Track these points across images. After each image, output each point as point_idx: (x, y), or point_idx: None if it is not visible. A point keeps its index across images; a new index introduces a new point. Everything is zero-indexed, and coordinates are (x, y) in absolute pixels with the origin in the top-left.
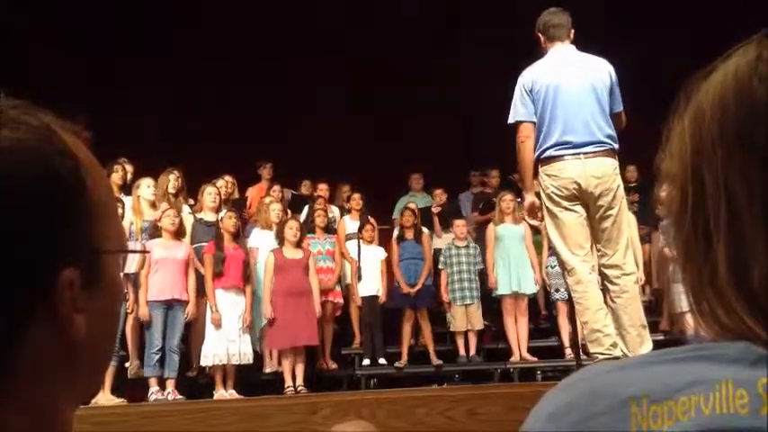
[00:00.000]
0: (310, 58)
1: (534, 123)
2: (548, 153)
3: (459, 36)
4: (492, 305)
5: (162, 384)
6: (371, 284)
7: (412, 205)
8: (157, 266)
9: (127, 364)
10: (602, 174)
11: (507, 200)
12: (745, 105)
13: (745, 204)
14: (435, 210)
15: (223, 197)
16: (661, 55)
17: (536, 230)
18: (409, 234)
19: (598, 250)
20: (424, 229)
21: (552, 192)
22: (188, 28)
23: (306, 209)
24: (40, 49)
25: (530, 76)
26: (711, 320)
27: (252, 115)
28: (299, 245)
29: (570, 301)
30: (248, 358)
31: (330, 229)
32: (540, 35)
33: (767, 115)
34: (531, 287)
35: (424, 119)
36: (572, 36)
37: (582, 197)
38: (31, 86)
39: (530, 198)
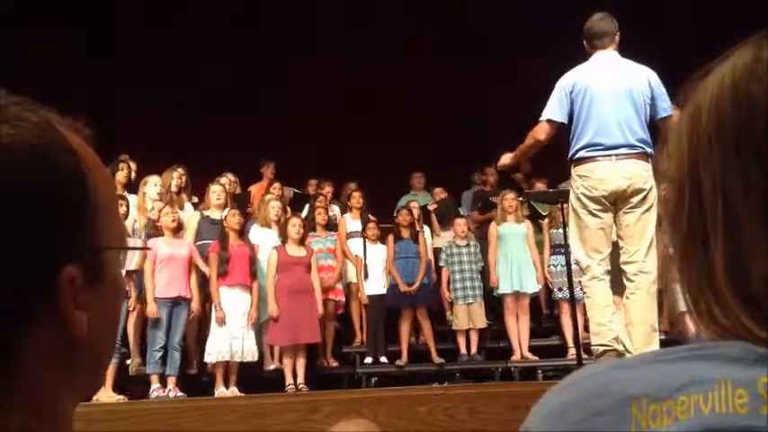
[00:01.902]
0: (310, 58)
1: (558, 125)
2: (580, 154)
3: (459, 36)
4: (494, 304)
5: (163, 382)
6: (377, 283)
7: (413, 203)
8: (163, 264)
9: (128, 362)
10: (633, 175)
11: (509, 198)
12: (742, 106)
13: (742, 204)
14: (431, 207)
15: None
16: (663, 55)
17: (538, 230)
18: (405, 233)
19: (621, 247)
20: (425, 228)
21: (582, 192)
22: (188, 28)
23: (306, 207)
24: (40, 48)
25: (570, 79)
26: (709, 321)
27: (252, 115)
28: (301, 242)
29: (572, 300)
30: (252, 356)
31: (331, 226)
32: (585, 42)
33: (765, 115)
34: (532, 286)
35: (423, 119)
36: (617, 41)
37: (611, 198)
38: (30, 85)
39: (507, 158)
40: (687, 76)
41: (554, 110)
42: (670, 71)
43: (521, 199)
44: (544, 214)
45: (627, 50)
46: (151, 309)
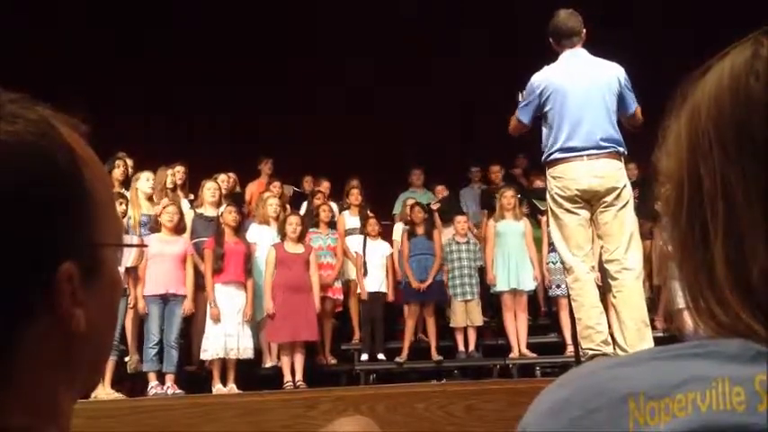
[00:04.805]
0: (310, 58)
1: (526, 126)
2: (553, 156)
3: (459, 36)
4: (492, 301)
5: (161, 379)
6: (376, 280)
7: (411, 201)
8: (153, 261)
9: (126, 359)
10: (605, 174)
11: (508, 196)
12: (741, 102)
13: (742, 201)
14: (434, 206)
15: (224, 192)
16: (663, 55)
17: (536, 227)
18: (420, 230)
19: (601, 246)
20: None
21: (556, 193)
22: (189, 28)
23: (305, 204)
24: (40, 48)
25: (539, 80)
26: (708, 318)
27: (252, 115)
28: (299, 240)
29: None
30: (248, 353)
31: (332, 224)
32: (551, 40)
33: (764, 112)
34: (529, 284)
35: (424, 119)
36: (584, 36)
37: (585, 197)
38: (30, 85)
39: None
40: (687, 76)
41: (521, 110)
42: (670, 71)
43: (519, 196)
44: (543, 209)
45: (626, 50)
46: (139, 305)
